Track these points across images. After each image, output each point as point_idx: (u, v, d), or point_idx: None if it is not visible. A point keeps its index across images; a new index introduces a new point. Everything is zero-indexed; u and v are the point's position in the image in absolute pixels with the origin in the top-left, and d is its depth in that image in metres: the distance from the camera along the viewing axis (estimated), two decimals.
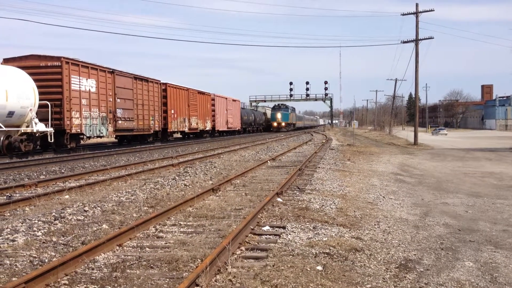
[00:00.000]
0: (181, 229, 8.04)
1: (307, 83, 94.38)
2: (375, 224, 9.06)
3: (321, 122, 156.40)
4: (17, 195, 11.29)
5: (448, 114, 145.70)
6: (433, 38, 41.32)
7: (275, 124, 78.33)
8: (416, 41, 40.29)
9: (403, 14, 41.55)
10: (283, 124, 78.07)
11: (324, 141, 41.00)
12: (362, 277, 5.95)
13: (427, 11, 40.63)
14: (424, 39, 40.93)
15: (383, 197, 12.44)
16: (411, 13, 40.62)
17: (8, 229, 7.56)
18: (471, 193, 13.78)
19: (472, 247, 7.80)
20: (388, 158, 25.51)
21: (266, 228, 8.13)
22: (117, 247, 6.85)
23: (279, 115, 78.32)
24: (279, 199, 10.70)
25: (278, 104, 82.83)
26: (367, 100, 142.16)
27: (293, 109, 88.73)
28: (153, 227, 8.07)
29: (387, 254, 7.12)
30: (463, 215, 10.62)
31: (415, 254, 7.22)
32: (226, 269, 5.87)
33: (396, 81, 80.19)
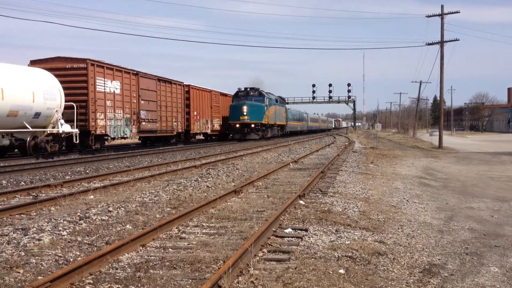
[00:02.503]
0: (204, 231, 8.08)
1: (330, 85, 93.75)
2: (398, 228, 8.97)
3: (344, 124, 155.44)
4: (43, 195, 11.47)
5: (474, 117, 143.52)
6: (458, 40, 40.79)
7: (237, 125, 44.53)
8: (442, 43, 39.81)
9: (428, 16, 41.12)
10: (252, 125, 44.46)
11: (346, 143, 40.77)
12: (385, 281, 5.90)
13: (452, 12, 40.09)
14: (450, 41, 40.43)
15: (407, 200, 12.32)
16: (436, 15, 40.15)
17: (34, 229, 7.69)
18: (497, 198, 13.55)
19: (498, 252, 7.67)
20: (412, 161, 25.24)
21: (288, 230, 8.11)
22: (141, 248, 6.91)
23: (244, 109, 44.09)
24: (301, 202, 10.67)
25: (246, 89, 46.45)
26: (390, 103, 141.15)
27: (281, 101, 57.32)
28: (176, 228, 8.12)
29: (411, 258, 7.05)
30: (489, 219, 10.45)
31: (439, 259, 7.13)
32: (248, 271, 5.87)
33: (420, 83, 79.21)
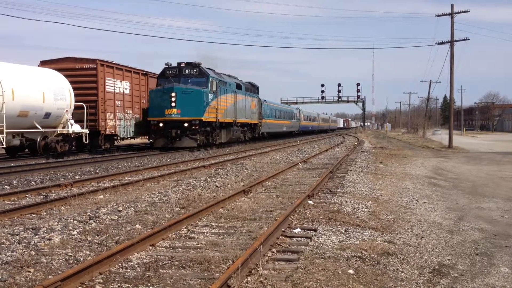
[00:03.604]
0: (213, 230, 8.09)
1: (339, 85, 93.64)
2: (408, 228, 8.94)
3: (353, 124, 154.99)
4: (53, 194, 11.55)
5: (484, 117, 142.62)
6: (468, 39, 40.55)
7: (160, 125, 27.19)
8: (452, 42, 39.59)
9: (438, 15, 40.92)
10: (185, 124, 26.83)
11: (356, 143, 40.67)
12: (394, 282, 5.88)
13: (462, 12, 39.89)
14: (460, 40, 40.22)
15: (417, 200, 12.27)
16: (446, 14, 39.95)
17: (45, 228, 7.74)
18: (507, 198, 13.46)
19: (508, 253, 7.62)
20: (421, 161, 25.13)
21: (297, 230, 8.11)
22: (150, 247, 6.94)
23: (172, 97, 26.76)
24: (310, 202, 10.66)
25: (178, 65, 28.70)
26: (400, 102, 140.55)
27: (251, 89, 38.97)
28: (185, 227, 8.14)
29: (421, 258, 7.02)
30: (499, 220, 10.38)
31: (449, 259, 7.10)
32: (257, 270, 5.87)
33: (430, 83, 78.96)
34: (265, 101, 44.97)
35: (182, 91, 26.82)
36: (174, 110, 26.64)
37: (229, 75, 34.42)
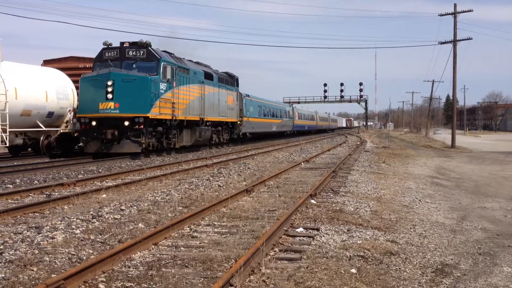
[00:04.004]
0: (215, 229, 8.10)
1: (342, 84, 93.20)
2: (410, 228, 8.93)
3: (356, 124, 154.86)
4: (56, 193, 11.57)
5: (487, 117, 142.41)
6: (471, 39, 40.50)
7: (93, 123, 20.76)
8: (454, 42, 39.54)
9: (441, 15, 40.85)
10: (126, 123, 20.51)
11: (358, 143, 40.64)
12: (397, 281, 5.88)
13: (465, 11, 39.85)
14: (463, 39, 40.15)
15: (419, 200, 12.26)
16: (449, 14, 39.88)
17: (48, 227, 7.76)
18: (510, 198, 13.43)
19: (511, 252, 7.61)
20: (424, 161, 25.11)
21: (300, 229, 8.11)
22: (153, 246, 6.95)
23: (108, 87, 20.31)
24: (312, 201, 10.66)
25: (121, 45, 21.98)
26: (403, 102, 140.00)
27: (227, 81, 32.85)
28: (188, 227, 8.15)
29: (423, 258, 7.01)
30: (502, 219, 10.37)
31: (452, 259, 7.09)
32: (260, 269, 5.88)
33: (433, 82, 78.74)
34: (247, 95, 38.21)
35: (122, 79, 20.56)
36: (111, 104, 20.31)
37: (197, 63, 28.51)
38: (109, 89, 20.29)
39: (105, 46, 22.06)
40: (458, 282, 6.10)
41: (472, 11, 39.94)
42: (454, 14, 39.52)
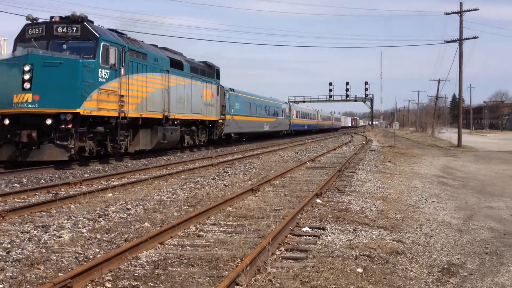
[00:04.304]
0: (221, 229, 8.11)
1: (347, 83, 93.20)
2: (417, 227, 8.91)
3: (361, 123, 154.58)
4: (63, 193, 11.61)
5: (493, 116, 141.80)
6: (477, 37, 40.34)
7: (5, 122, 15.97)
8: (460, 40, 39.39)
9: (447, 14, 40.68)
10: (48, 122, 15.67)
11: (364, 142, 40.58)
12: (403, 281, 5.87)
13: (471, 10, 39.69)
14: (469, 38, 39.98)
15: (425, 199, 12.23)
16: (455, 12, 39.71)
17: (55, 226, 7.79)
18: None
19: None
20: (430, 160, 25.03)
21: (306, 229, 8.11)
22: (159, 245, 6.96)
23: (25, 74, 15.36)
24: (318, 200, 10.65)
25: (50, 19, 17.35)
26: (408, 101, 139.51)
27: (204, 71, 27.61)
28: (194, 226, 8.17)
29: (430, 257, 7.00)
30: (509, 219, 10.32)
31: (458, 258, 7.07)
32: (266, 269, 5.89)
33: (439, 81, 78.39)
34: (232, 90, 33.42)
35: (43, 62, 15.79)
36: (28, 96, 15.63)
37: (164, 48, 23.90)
38: (26, 77, 15.46)
39: (29, 22, 17.26)
40: (464, 281, 6.08)
41: (478, 9, 39.87)
42: (460, 13, 39.37)
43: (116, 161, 19.19)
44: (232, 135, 34.26)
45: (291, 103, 57.04)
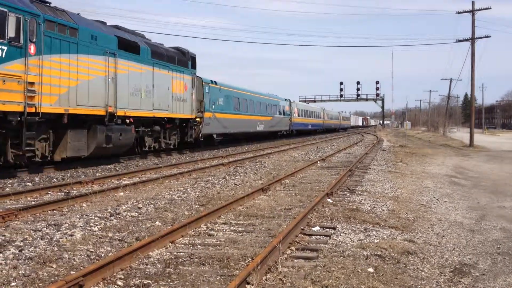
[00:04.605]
0: (232, 228, 8.12)
1: (358, 83, 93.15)
2: (428, 227, 8.87)
3: (372, 122, 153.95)
4: (75, 191, 11.68)
5: (506, 115, 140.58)
6: (490, 36, 40.06)
7: None
8: (472, 40, 39.09)
9: (459, 13, 40.40)
10: None
11: (375, 142, 40.43)
12: (415, 280, 5.84)
13: (483, 9, 39.37)
14: (481, 37, 39.69)
15: (437, 199, 12.16)
16: (467, 11, 39.42)
17: (67, 224, 7.85)
18: None
19: None
20: (442, 160, 24.88)
21: (316, 228, 8.10)
22: (170, 244, 6.99)
23: None
24: (329, 200, 10.63)
25: None
26: (420, 101, 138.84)
27: (181, 59, 23.10)
28: (204, 225, 8.19)
29: (441, 257, 6.96)
30: None
31: (470, 258, 7.02)
32: (277, 268, 5.89)
33: (451, 81, 77.91)
34: (214, 82, 28.45)
35: None
36: None
37: (116, 27, 19.17)
38: None
39: None
40: (476, 282, 6.04)
41: (491, 8, 39.41)
42: (472, 11, 39.08)
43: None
44: (215, 136, 29.23)
45: (292, 101, 50.63)
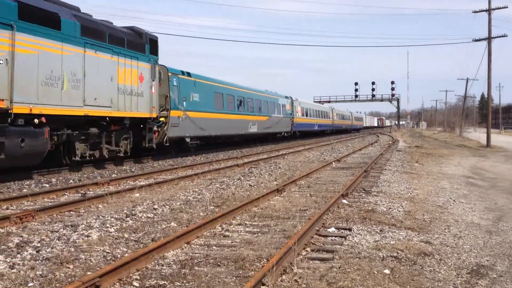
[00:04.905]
0: (247, 229, 8.12)
1: (373, 83, 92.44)
2: (445, 228, 8.79)
3: (388, 123, 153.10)
4: (91, 192, 11.78)
5: None
6: (506, 35, 39.93)
7: None
8: (489, 39, 38.70)
9: (475, 12, 40.06)
10: None
11: (390, 142, 40.18)
12: (431, 282, 5.79)
13: (500, 8, 38.96)
14: (498, 37, 39.32)
15: (454, 200, 12.05)
16: (484, 10, 39.07)
17: (83, 225, 7.91)
18: None
19: None
20: (458, 161, 24.65)
21: (332, 229, 8.07)
22: (185, 245, 7.01)
23: None
24: (344, 201, 10.59)
25: None
26: (436, 101, 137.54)
27: (132, 41, 17.48)
28: (220, 226, 8.20)
29: (458, 259, 6.89)
30: None
31: (487, 260, 6.95)
32: (292, 269, 5.87)
33: (467, 80, 77.21)
34: (187, 73, 23.69)
35: None
36: None
37: None
38: None
39: None
40: (494, 283, 5.97)
41: (507, 7, 38.99)
42: (489, 10, 38.70)
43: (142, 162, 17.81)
44: (188, 140, 23.36)
45: (295, 98, 44.97)
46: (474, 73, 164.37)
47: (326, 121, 58.82)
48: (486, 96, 52.48)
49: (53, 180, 13.74)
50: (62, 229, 7.69)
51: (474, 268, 6.54)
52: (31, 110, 12.97)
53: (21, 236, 7.24)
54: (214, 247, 6.97)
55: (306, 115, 48.49)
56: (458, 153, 30.66)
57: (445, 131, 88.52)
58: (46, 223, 8.33)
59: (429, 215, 9.80)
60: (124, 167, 17.44)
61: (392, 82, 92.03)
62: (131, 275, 5.66)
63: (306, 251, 6.80)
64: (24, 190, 11.83)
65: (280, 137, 41.02)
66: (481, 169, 20.82)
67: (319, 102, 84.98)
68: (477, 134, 61.61)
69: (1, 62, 12.13)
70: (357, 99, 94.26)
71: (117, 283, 5.40)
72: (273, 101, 37.99)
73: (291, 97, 43.54)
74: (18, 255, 6.26)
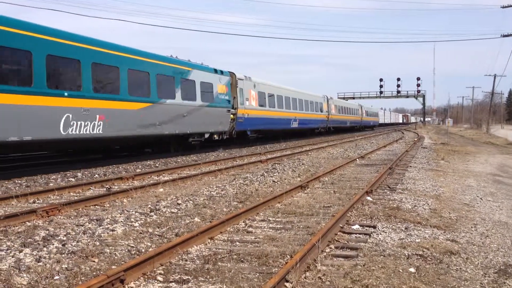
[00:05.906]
0: (270, 225, 8.10)
1: (398, 79, 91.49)
2: (471, 227, 8.64)
3: (413, 119, 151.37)
4: (116, 187, 11.89)
5: None
6: None
7: None
8: None
9: (504, 7, 39.31)
10: None
11: (415, 139, 39.72)
12: (458, 281, 5.69)
13: None
14: None
15: (481, 198, 11.84)
16: None
17: (108, 219, 7.99)
18: None
19: None
20: (485, 158, 24.23)
21: (356, 227, 8.00)
22: (209, 240, 7.02)
23: None
24: (368, 198, 10.49)
25: None
26: (462, 97, 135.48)
27: None
28: (243, 222, 8.19)
29: (485, 258, 6.76)
30: None
31: None
32: (316, 266, 5.83)
33: (495, 77, 75.77)
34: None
35: None
36: None
37: None
38: None
39: None
40: None
41: None
42: None
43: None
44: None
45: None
46: (502, 69, 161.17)
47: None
48: None
49: (79, 174, 13.91)
50: (87, 223, 7.78)
51: (501, 267, 6.41)
52: None
53: (47, 230, 7.34)
54: (237, 243, 6.97)
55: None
56: (485, 151, 30.14)
57: (471, 128, 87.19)
58: (72, 217, 8.44)
59: (455, 213, 9.64)
60: (148, 162, 17.59)
61: (418, 78, 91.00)
62: (155, 269, 5.69)
63: (330, 248, 6.75)
64: (51, 184, 12.01)
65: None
66: (508, 167, 20.43)
67: (343, 98, 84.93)
68: (505, 131, 60.47)
69: None
70: (382, 95, 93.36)
71: (141, 277, 5.43)
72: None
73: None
74: (44, 248, 6.35)
